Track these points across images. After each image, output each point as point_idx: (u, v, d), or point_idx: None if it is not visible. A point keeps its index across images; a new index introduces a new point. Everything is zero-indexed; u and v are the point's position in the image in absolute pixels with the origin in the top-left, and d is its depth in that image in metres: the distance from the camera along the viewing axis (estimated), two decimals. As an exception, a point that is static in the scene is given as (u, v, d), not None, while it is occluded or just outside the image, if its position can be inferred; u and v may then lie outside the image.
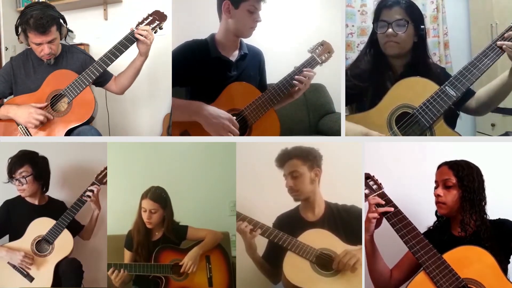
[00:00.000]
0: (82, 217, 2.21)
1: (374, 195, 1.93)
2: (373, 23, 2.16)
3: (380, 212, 1.87)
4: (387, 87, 2.12)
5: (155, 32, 2.22)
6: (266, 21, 2.16)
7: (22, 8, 2.45)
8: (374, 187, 1.97)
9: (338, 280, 1.98)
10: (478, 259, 1.78)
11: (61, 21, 2.26)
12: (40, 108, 2.20)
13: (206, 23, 2.18)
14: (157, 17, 2.24)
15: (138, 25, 2.22)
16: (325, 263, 1.99)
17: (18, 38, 2.27)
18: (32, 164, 2.16)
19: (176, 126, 2.17)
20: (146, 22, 2.23)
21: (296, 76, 2.12)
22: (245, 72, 2.21)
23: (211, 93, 2.15)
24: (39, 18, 2.16)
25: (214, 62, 2.17)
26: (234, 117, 2.14)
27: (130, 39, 2.19)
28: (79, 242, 2.22)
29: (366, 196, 1.96)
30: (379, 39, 2.14)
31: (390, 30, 2.10)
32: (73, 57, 2.33)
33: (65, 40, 2.28)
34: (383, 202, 1.89)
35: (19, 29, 2.24)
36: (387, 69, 2.16)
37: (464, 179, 1.86)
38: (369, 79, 2.17)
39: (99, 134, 2.23)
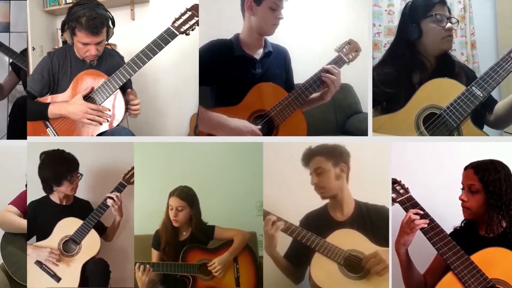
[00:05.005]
0: (107, 219, 2.29)
1: (404, 201, 2.02)
2: (416, 17, 2.23)
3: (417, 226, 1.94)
4: (414, 88, 2.21)
5: (192, 30, 2.20)
6: (292, 19, 2.24)
7: (49, 8, 2.48)
8: (401, 191, 2.06)
9: (366, 283, 2.05)
10: (505, 260, 1.87)
11: (111, 22, 2.25)
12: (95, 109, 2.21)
13: (233, 24, 2.24)
14: (196, 13, 2.21)
15: (174, 21, 2.20)
16: (353, 264, 2.06)
17: (62, 35, 2.26)
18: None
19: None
20: (183, 18, 2.20)
21: (323, 74, 2.19)
22: (270, 70, 2.28)
23: (236, 92, 2.22)
24: (93, 18, 2.15)
25: (239, 60, 2.24)
26: (259, 120, 2.22)
27: (165, 38, 2.17)
28: (105, 242, 2.29)
29: (393, 199, 2.05)
30: (434, 33, 2.21)
31: (449, 24, 2.20)
32: (112, 61, 2.32)
33: (107, 41, 2.27)
34: (422, 213, 1.97)
35: (66, 26, 2.21)
36: (418, 68, 2.24)
37: (490, 185, 1.90)
38: (397, 81, 2.25)
39: (133, 135, 2.27)
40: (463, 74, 2.21)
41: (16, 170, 2.35)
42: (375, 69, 2.27)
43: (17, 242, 2.28)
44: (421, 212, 1.97)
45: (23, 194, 2.31)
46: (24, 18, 2.44)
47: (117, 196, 2.23)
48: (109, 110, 2.22)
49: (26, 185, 2.30)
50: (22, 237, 2.27)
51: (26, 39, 2.44)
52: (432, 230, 1.93)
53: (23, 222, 2.26)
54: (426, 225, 1.94)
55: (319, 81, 2.20)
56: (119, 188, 2.24)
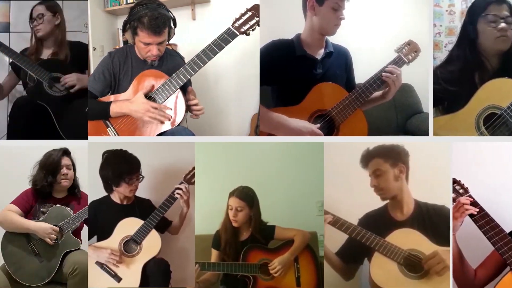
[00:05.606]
0: (170, 215, 2.30)
1: (466, 196, 2.04)
2: (473, 18, 2.23)
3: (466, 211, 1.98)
4: (476, 87, 2.22)
5: (253, 30, 2.20)
6: (352, 20, 2.24)
7: (110, 8, 2.49)
8: (461, 191, 2.08)
9: (426, 283, 2.05)
10: None
11: (172, 23, 2.25)
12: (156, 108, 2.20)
13: (293, 24, 2.26)
14: (257, 13, 2.20)
15: (235, 21, 2.19)
16: (413, 264, 2.07)
17: (123, 35, 2.26)
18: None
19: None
20: (244, 18, 2.19)
21: (383, 73, 2.20)
22: (331, 70, 2.29)
23: (297, 92, 2.23)
24: (155, 18, 2.15)
25: (300, 60, 2.26)
26: (320, 120, 2.23)
27: (225, 38, 2.16)
28: (167, 241, 2.30)
29: (453, 199, 2.07)
30: (487, 34, 2.22)
31: (503, 24, 2.19)
32: (173, 61, 2.33)
33: (168, 41, 2.27)
34: (472, 200, 2.01)
35: (128, 26, 2.22)
36: (479, 68, 2.25)
37: None
38: (459, 81, 2.26)
39: (193, 135, 2.27)
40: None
41: (16, 170, 2.38)
42: (440, 67, 2.29)
43: (17, 241, 2.28)
44: (472, 199, 2.01)
45: (25, 194, 2.33)
46: (24, 18, 2.44)
47: (186, 187, 2.23)
48: (171, 109, 2.22)
49: (31, 183, 2.32)
50: (22, 236, 2.28)
51: (26, 39, 2.45)
52: (492, 230, 1.96)
53: (24, 222, 2.27)
54: (475, 213, 1.97)
55: (379, 81, 2.21)
56: (180, 188, 2.25)
